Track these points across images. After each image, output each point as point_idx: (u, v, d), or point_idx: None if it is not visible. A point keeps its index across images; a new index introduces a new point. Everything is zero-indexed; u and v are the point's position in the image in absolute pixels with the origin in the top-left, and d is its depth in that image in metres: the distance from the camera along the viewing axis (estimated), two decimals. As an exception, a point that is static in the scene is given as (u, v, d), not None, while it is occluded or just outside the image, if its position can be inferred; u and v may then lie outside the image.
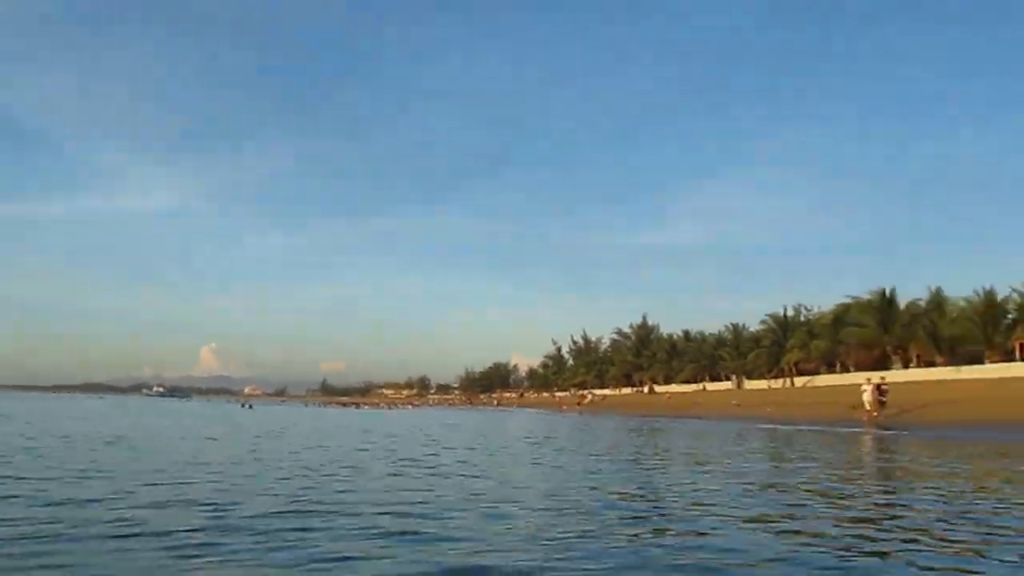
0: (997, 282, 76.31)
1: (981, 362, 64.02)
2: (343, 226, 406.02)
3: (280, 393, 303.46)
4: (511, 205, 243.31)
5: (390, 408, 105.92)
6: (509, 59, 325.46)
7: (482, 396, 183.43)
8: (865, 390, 40.71)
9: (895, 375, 56.98)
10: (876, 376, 44.53)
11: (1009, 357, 64.35)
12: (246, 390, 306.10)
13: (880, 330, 76.90)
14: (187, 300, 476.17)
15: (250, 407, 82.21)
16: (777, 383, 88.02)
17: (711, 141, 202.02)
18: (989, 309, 68.19)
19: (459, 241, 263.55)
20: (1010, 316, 68.20)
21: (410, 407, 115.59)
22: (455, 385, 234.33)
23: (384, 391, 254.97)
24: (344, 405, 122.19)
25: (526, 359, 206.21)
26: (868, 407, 39.56)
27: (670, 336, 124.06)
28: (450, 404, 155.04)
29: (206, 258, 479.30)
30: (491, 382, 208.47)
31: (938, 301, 74.86)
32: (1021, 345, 64.83)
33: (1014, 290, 68.40)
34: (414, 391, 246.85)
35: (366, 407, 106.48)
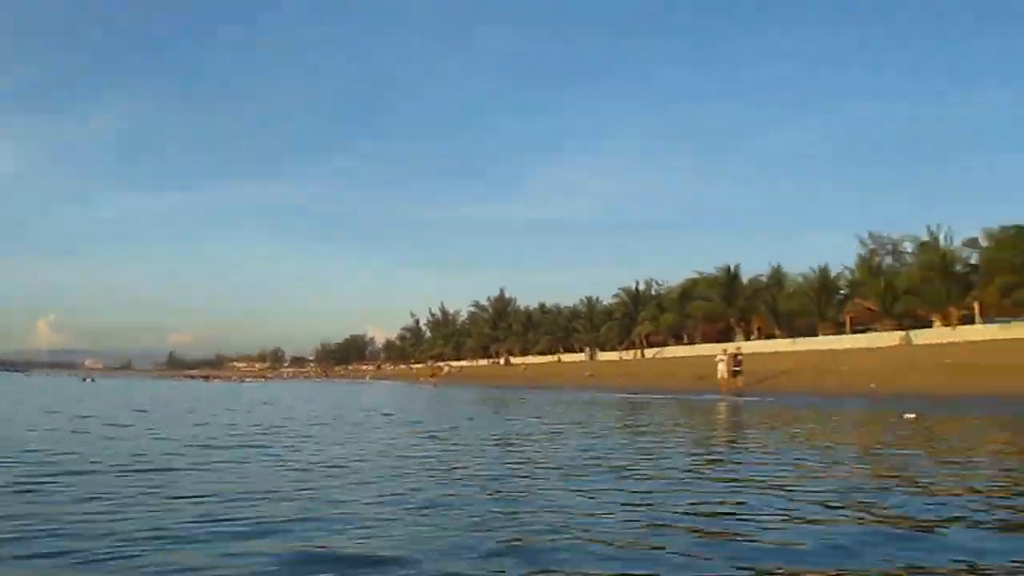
0: (831, 260, 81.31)
1: (815, 334, 68.20)
2: (194, 193, 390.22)
3: (125, 366, 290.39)
4: (368, 176, 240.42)
5: (241, 381, 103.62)
6: (366, 30, 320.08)
7: (338, 368, 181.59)
8: (720, 360, 42.35)
9: (749, 346, 59.94)
10: (731, 347, 46.46)
11: (840, 330, 68.83)
12: (87, 363, 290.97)
13: (725, 304, 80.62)
14: (20, 269, 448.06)
15: (92, 380, 79.32)
16: (629, 355, 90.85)
17: (568, 115, 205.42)
18: (823, 285, 72.61)
19: (315, 212, 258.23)
20: (842, 292, 72.84)
21: (263, 380, 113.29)
22: (310, 358, 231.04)
23: (236, 364, 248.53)
24: (192, 378, 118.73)
25: (384, 331, 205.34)
26: (722, 377, 41.26)
27: (526, 309, 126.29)
28: (305, 376, 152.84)
29: (44, 225, 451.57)
30: (347, 354, 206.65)
31: (778, 277, 79.04)
32: (851, 319, 69.37)
33: (845, 267, 73.19)
34: (267, 364, 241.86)
35: (216, 380, 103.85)
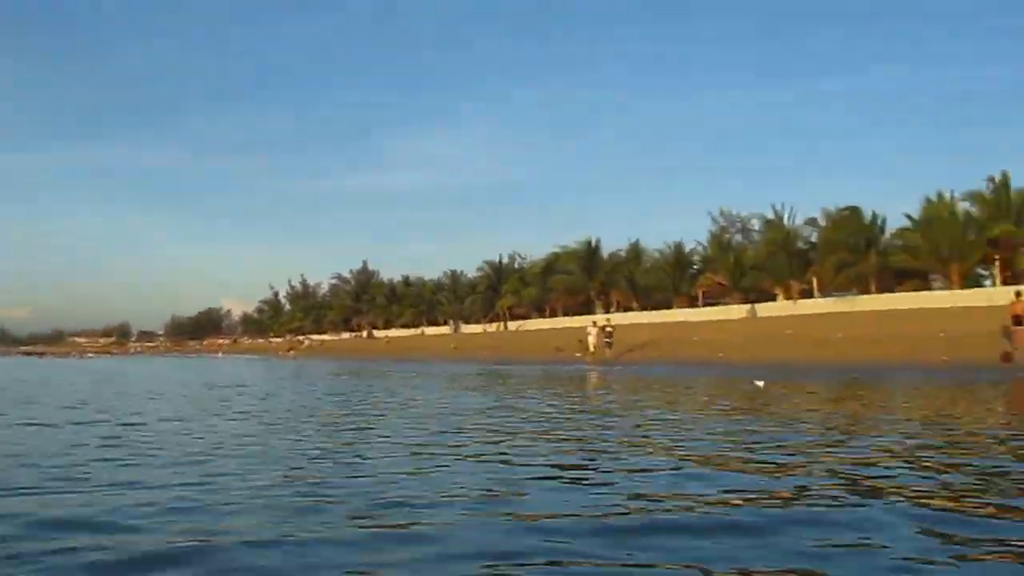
0: (685, 236, 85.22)
1: (671, 307, 71.83)
2: (31, 155, 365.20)
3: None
4: (223, 143, 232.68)
5: (81, 357, 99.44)
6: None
7: (191, 343, 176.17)
8: (590, 332, 43.65)
9: (619, 318, 62.46)
10: (602, 319, 47.97)
11: (694, 303, 72.73)
12: None
13: (585, 278, 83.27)
14: None
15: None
16: (492, 327, 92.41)
17: (432, 87, 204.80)
18: (678, 260, 76.30)
19: (163, 178, 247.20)
20: (695, 267, 76.73)
21: (108, 356, 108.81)
22: (160, 332, 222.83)
23: (77, 340, 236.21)
24: (27, 355, 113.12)
25: (241, 305, 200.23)
26: (593, 348, 42.65)
27: (390, 281, 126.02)
28: (155, 352, 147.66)
29: None
30: (202, 329, 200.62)
31: (636, 252, 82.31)
32: (703, 292, 73.32)
33: (699, 243, 77.13)
34: (112, 339, 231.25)
35: (51, 357, 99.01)
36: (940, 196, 55.63)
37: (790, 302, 61.52)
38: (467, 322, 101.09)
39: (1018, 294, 33.00)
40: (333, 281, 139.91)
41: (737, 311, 62.00)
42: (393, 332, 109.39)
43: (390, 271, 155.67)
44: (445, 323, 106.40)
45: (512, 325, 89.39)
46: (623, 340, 44.38)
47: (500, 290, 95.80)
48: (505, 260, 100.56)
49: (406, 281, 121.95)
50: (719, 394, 18.99)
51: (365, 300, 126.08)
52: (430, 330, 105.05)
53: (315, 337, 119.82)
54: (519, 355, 52.08)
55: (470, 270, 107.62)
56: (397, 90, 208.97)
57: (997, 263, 54.15)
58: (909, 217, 57.87)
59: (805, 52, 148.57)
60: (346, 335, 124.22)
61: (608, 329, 43.64)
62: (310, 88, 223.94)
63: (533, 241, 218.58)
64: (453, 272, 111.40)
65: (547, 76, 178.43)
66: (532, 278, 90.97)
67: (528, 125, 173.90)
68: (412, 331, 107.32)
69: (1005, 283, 51.35)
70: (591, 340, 43.22)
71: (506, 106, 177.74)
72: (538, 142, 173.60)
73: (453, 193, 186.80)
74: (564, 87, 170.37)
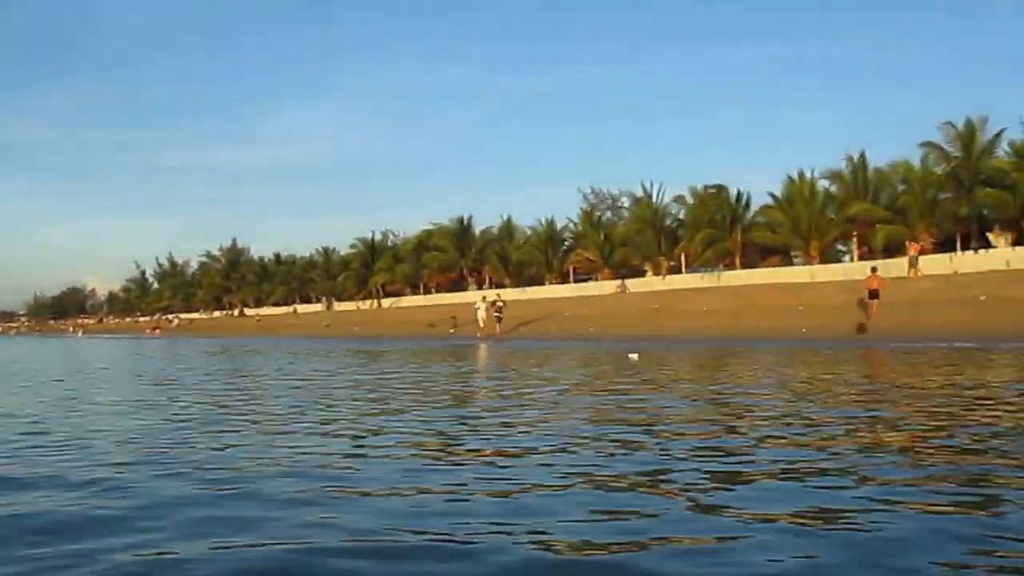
0: (557, 213, 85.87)
1: (543, 283, 72.14)
2: None
3: None
4: (87, 115, 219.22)
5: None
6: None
7: (54, 323, 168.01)
8: (479, 308, 43.28)
9: (479, 295, 62.07)
10: (491, 294, 47.55)
11: (565, 279, 73.25)
12: None
13: (458, 254, 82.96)
14: None
15: None
16: (366, 305, 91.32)
17: (305, 60, 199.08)
18: (550, 237, 76.66)
19: (29, 152, 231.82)
20: (566, 243, 77.31)
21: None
22: (21, 312, 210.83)
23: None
24: None
25: (105, 283, 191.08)
26: (482, 324, 42.26)
27: (261, 259, 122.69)
28: (16, 332, 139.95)
29: None
30: (65, 308, 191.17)
31: (509, 229, 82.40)
32: (574, 269, 73.90)
33: (570, 220, 77.65)
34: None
35: None
36: (801, 175, 57.43)
37: (659, 278, 62.59)
38: (340, 299, 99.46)
39: (873, 269, 34.41)
40: (202, 259, 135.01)
41: (608, 286, 62.74)
42: (264, 310, 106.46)
43: (261, 248, 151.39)
44: (318, 300, 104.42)
45: (386, 302, 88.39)
46: (523, 313, 44.41)
47: (373, 267, 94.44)
48: (378, 237, 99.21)
49: (277, 258, 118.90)
50: (592, 364, 18.73)
51: (235, 278, 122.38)
52: (302, 308, 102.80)
53: (184, 316, 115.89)
54: (393, 332, 51.52)
55: (343, 247, 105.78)
56: (272, 63, 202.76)
57: (854, 239, 56.34)
58: (772, 195, 59.59)
59: (681, 26, 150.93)
60: (217, 314, 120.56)
61: (499, 304, 43.59)
62: (177, 60, 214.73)
63: (406, 218, 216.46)
64: (325, 249, 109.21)
65: (419, 51, 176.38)
66: (405, 255, 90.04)
67: (401, 100, 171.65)
68: (284, 309, 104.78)
69: (861, 259, 53.60)
70: (481, 315, 42.85)
71: (379, 81, 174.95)
72: (411, 118, 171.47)
73: (326, 169, 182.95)
74: (436, 62, 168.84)
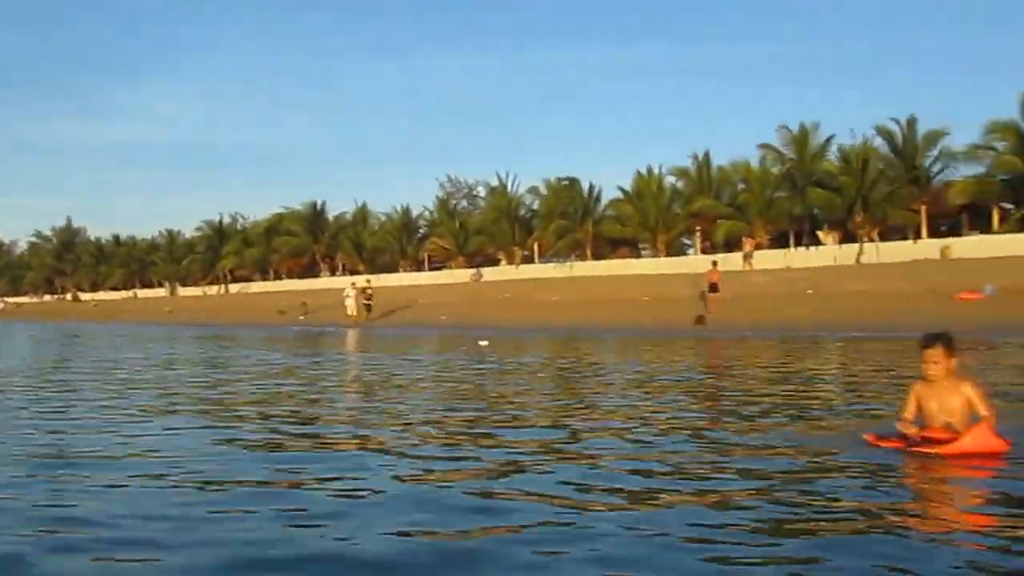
0: (413, 200, 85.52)
1: (397, 270, 71.90)
2: None
3: None
4: None
5: None
6: None
7: None
8: (349, 295, 42.01)
9: (338, 281, 61.25)
10: (361, 280, 46.08)
11: (420, 267, 73.24)
12: None
13: (310, 239, 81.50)
14: None
15: None
16: (212, 290, 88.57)
17: (154, 36, 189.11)
18: (405, 224, 76.41)
19: None
20: (422, 231, 77.26)
21: None
22: None
23: None
24: None
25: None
26: (351, 311, 41.16)
27: (98, 240, 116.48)
28: None
29: None
30: None
31: (363, 215, 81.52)
32: (429, 256, 73.96)
33: (425, 208, 77.66)
34: None
35: None
36: (650, 171, 59.49)
37: (512, 267, 63.53)
38: (184, 284, 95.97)
39: (714, 263, 36.09)
40: (32, 239, 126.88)
41: (462, 275, 63.22)
42: (101, 295, 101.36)
43: (99, 229, 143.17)
44: (160, 285, 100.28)
45: (234, 287, 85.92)
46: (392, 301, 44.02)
47: (221, 251, 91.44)
48: (227, 220, 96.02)
49: (117, 240, 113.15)
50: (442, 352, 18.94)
51: (69, 260, 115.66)
52: (143, 292, 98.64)
53: (10, 299, 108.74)
54: (241, 318, 50.21)
55: (188, 230, 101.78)
56: (114, 35, 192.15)
57: (698, 234, 58.87)
58: (622, 189, 61.43)
59: (537, 24, 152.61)
60: (48, 298, 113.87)
61: (368, 291, 42.83)
62: (5, 28, 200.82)
63: (257, 201, 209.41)
64: (169, 232, 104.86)
65: (272, 30, 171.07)
66: (255, 239, 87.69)
67: (253, 81, 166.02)
68: (123, 293, 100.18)
69: (704, 252, 56.11)
70: (350, 303, 41.75)
71: (232, 61, 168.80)
72: (263, 99, 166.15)
73: (170, 148, 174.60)
74: (293, 41, 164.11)
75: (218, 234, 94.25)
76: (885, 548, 3.63)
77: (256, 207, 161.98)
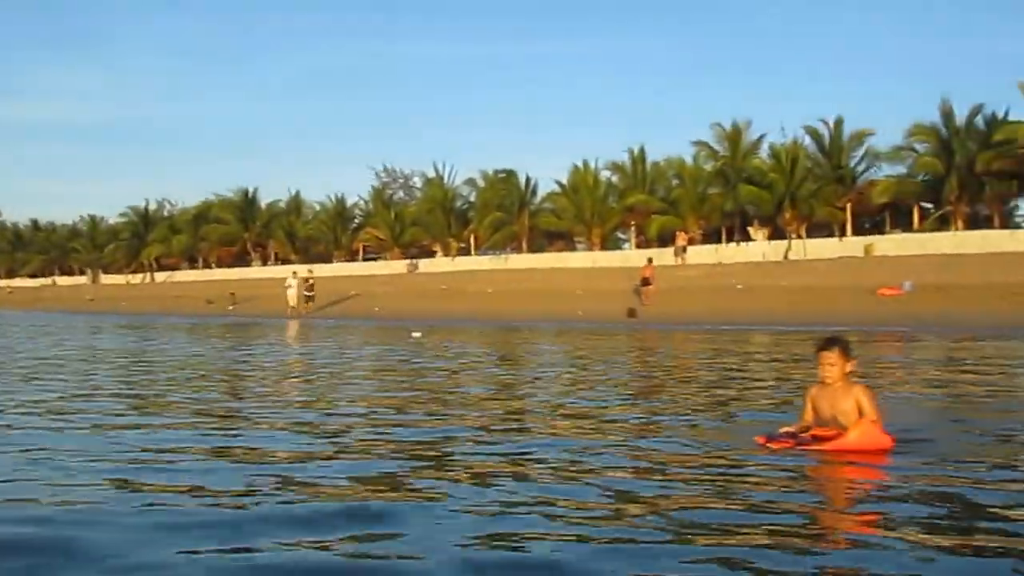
0: (348, 190, 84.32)
1: (330, 261, 71.21)
2: None
3: None
4: None
5: None
6: None
7: None
8: (291, 285, 41.13)
9: (270, 271, 60.45)
10: (303, 270, 45.01)
11: (354, 257, 72.68)
12: None
13: (242, 227, 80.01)
14: None
15: None
16: (137, 278, 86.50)
17: (77, 13, 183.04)
18: (339, 214, 75.64)
19: None
20: (356, 221, 76.57)
21: None
22: None
23: None
24: None
25: None
26: (293, 302, 40.32)
27: (15, 225, 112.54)
28: None
29: None
30: None
31: (297, 204, 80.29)
32: (364, 247, 73.42)
33: (360, 198, 76.98)
34: None
35: None
36: (586, 164, 59.89)
37: (448, 259, 63.47)
38: (107, 272, 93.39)
39: (649, 260, 36.63)
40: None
41: (397, 266, 63.00)
42: (17, 282, 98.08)
43: (15, 213, 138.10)
44: (82, 273, 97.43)
45: (160, 276, 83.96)
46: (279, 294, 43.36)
47: (146, 238, 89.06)
48: (153, 206, 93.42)
49: (35, 225, 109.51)
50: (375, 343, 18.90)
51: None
52: (63, 280, 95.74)
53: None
54: (166, 308, 49.34)
55: (112, 216, 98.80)
56: (36, 12, 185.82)
57: (632, 228, 59.60)
58: (558, 183, 61.76)
59: (478, 15, 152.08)
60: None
61: (310, 282, 41.94)
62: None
63: (185, 187, 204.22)
64: (92, 217, 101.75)
65: (205, 10, 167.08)
66: (183, 226, 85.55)
67: (183, 62, 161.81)
68: (42, 280, 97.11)
69: (639, 247, 56.94)
70: (292, 292, 40.78)
71: (162, 41, 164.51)
72: (193, 81, 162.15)
73: (94, 130, 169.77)
74: (222, 25, 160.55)
75: (143, 221, 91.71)
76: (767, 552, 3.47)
77: (184, 193, 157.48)
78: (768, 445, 5.61)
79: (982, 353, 14.31)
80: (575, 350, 17.30)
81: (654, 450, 5.84)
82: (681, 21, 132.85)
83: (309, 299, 41.16)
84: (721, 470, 5.12)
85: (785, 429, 5.73)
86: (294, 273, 43.39)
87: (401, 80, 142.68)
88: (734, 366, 13.20)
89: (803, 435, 5.59)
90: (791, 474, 5.01)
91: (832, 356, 5.69)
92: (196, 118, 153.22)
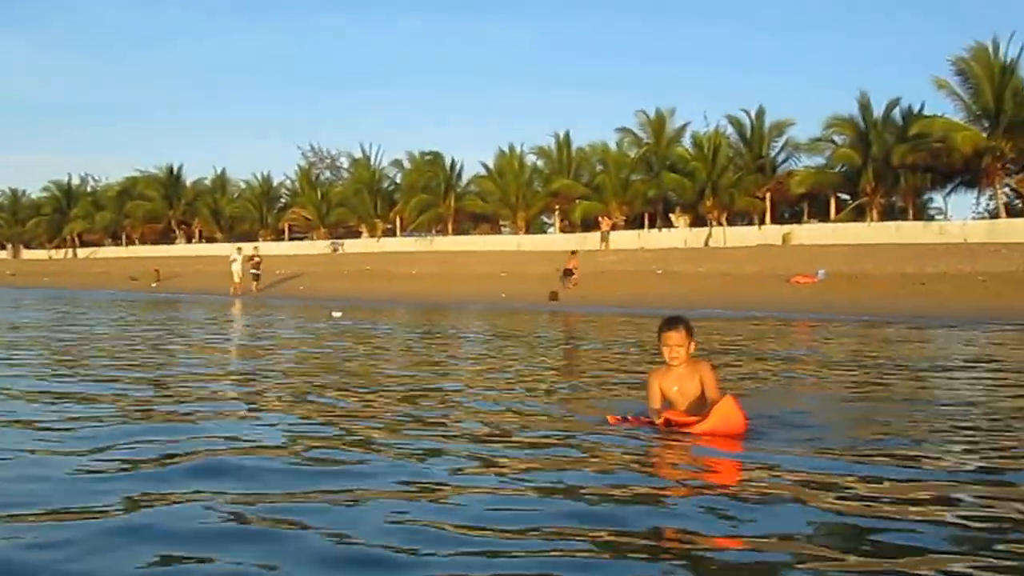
0: (275, 169, 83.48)
1: (255, 240, 70.28)
2: None
3: None
4: None
5: None
6: None
7: None
8: (235, 260, 39.77)
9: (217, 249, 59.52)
10: (248, 247, 43.58)
11: (280, 236, 71.91)
12: None
13: (166, 205, 78.50)
14: None
15: None
16: (59, 254, 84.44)
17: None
18: (265, 193, 74.66)
19: None
20: (283, 200, 75.67)
21: None
22: None
23: None
24: None
25: None
26: (237, 279, 39.06)
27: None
28: None
29: None
30: None
31: (222, 181, 78.94)
32: (289, 226, 72.62)
33: (287, 176, 76.03)
34: None
35: None
36: (512, 148, 60.11)
37: (374, 240, 63.29)
38: (29, 247, 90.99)
39: (573, 252, 36.96)
40: None
41: (322, 246, 62.66)
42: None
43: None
44: (3, 248, 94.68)
45: (83, 252, 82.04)
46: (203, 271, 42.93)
47: (69, 213, 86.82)
48: (76, 181, 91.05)
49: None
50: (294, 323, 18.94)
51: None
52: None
53: None
54: (85, 283, 48.37)
55: (34, 190, 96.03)
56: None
57: (557, 213, 60.09)
58: (484, 166, 61.90)
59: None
60: None
61: (256, 259, 40.76)
62: None
63: (109, 163, 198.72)
64: (13, 191, 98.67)
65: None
66: (107, 202, 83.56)
67: (108, 36, 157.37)
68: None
69: (563, 231, 57.50)
70: (236, 269, 39.40)
71: (86, 13, 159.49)
72: (118, 55, 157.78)
73: (16, 101, 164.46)
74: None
75: (66, 196, 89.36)
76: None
77: (109, 169, 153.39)
78: (619, 423, 5.51)
79: (884, 340, 14.82)
80: (481, 330, 17.58)
81: (490, 421, 5.95)
82: (611, 7, 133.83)
83: (256, 277, 40.15)
84: (559, 443, 5.14)
85: (636, 416, 5.60)
86: (239, 248, 42.12)
87: (328, 59, 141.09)
88: (625, 349, 13.54)
89: (657, 417, 5.39)
90: (632, 453, 4.88)
91: (679, 336, 5.53)
92: (121, 92, 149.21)
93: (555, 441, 5.26)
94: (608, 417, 5.70)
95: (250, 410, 6.49)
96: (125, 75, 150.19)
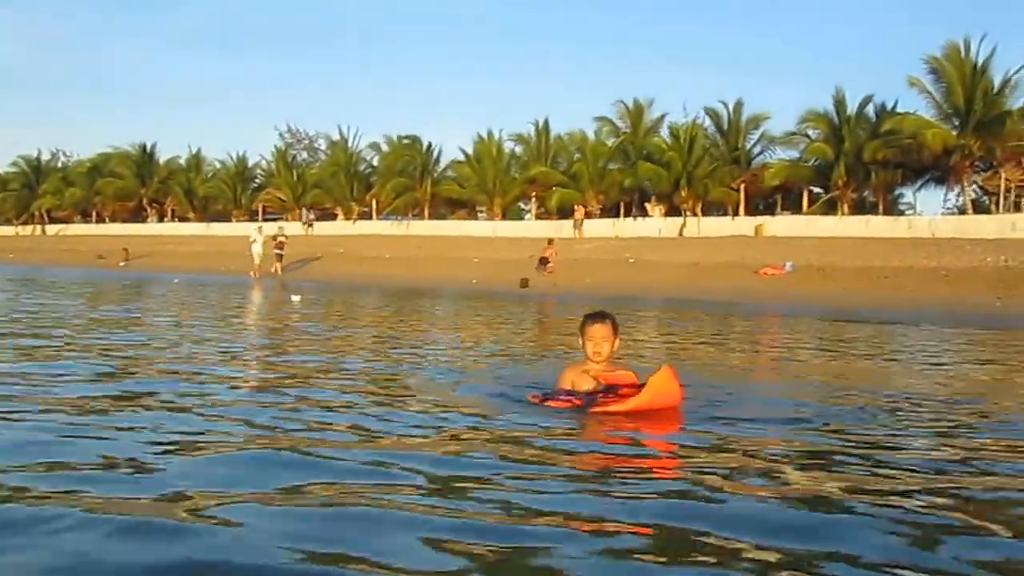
0: (251, 149, 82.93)
1: (229, 220, 69.95)
2: None
3: None
4: None
5: None
6: None
7: None
8: (255, 240, 38.08)
9: (189, 228, 58.86)
10: (273, 226, 42.09)
11: (254, 217, 71.43)
12: None
13: (138, 183, 77.75)
14: None
15: None
16: (27, 230, 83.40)
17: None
18: (240, 173, 74.09)
19: None
20: (257, 181, 75.15)
21: None
22: None
23: None
24: None
25: None
26: (258, 260, 37.33)
27: None
28: None
29: None
30: None
31: (196, 161, 78.20)
32: (264, 207, 72.14)
33: (262, 157, 75.55)
34: None
35: None
36: (490, 134, 60.09)
37: (349, 222, 63.08)
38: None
39: (550, 241, 36.90)
40: None
41: (298, 227, 62.34)
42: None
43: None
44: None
45: (51, 229, 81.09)
46: (180, 250, 42.59)
47: (38, 189, 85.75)
48: (45, 156, 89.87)
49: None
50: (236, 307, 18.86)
51: None
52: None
53: None
54: (54, 260, 47.89)
55: (2, 165, 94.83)
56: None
57: (534, 199, 60.18)
58: (463, 151, 61.87)
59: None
60: None
61: (281, 239, 39.15)
62: None
63: (81, 139, 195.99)
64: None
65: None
66: (78, 179, 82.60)
67: (78, 8, 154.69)
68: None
69: (539, 218, 57.61)
70: (256, 250, 37.61)
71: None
72: (88, 29, 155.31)
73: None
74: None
75: (35, 171, 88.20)
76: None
77: (80, 145, 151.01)
78: (543, 404, 4.99)
79: (848, 333, 14.87)
80: (453, 313, 17.60)
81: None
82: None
83: (279, 257, 38.55)
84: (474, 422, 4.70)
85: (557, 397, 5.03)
86: (259, 228, 40.67)
87: (308, 40, 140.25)
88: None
89: (589, 394, 4.94)
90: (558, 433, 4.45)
91: (605, 330, 5.11)
92: (94, 67, 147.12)
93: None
94: (529, 396, 5.21)
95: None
96: (98, 49, 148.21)
